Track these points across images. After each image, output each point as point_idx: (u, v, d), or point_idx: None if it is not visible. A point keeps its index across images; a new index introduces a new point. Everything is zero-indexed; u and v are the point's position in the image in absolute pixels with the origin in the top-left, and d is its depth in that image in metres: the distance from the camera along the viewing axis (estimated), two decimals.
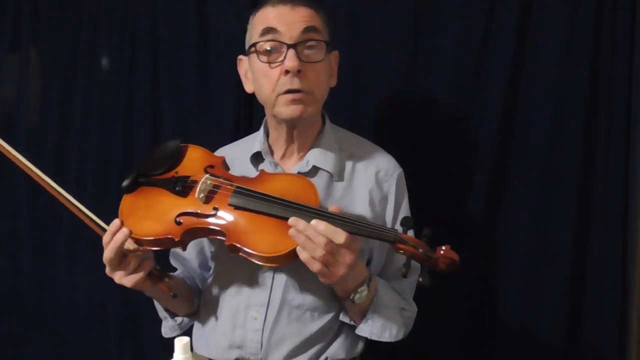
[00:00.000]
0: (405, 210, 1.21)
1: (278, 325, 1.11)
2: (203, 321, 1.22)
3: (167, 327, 1.26)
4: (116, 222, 1.03)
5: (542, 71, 1.40)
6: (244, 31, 1.62)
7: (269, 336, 1.11)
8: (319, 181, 1.15)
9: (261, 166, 1.19)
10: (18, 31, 1.86)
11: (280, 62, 1.09)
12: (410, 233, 1.01)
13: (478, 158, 1.46)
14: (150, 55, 1.74)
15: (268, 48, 1.10)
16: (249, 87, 1.20)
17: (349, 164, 1.19)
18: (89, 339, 1.86)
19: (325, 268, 0.96)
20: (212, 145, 1.26)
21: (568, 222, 1.41)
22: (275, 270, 1.12)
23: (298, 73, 1.07)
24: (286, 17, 1.09)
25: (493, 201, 1.46)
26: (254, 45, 1.12)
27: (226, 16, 1.65)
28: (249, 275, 1.14)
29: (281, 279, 1.12)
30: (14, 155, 1.11)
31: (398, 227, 1.09)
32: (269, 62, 1.10)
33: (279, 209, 0.99)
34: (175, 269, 1.31)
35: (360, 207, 1.16)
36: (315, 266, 0.96)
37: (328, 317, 1.13)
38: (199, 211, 1.03)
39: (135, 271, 1.05)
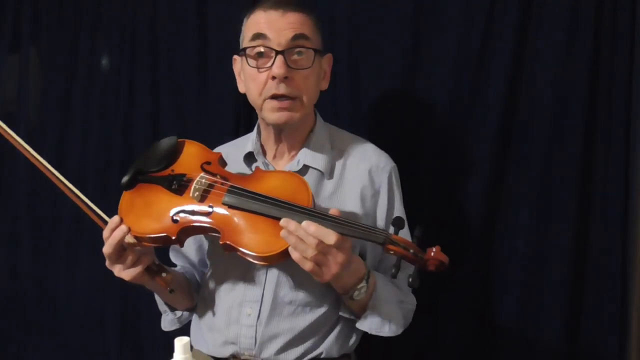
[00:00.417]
0: (398, 206, 1.21)
1: (271, 321, 1.13)
2: (200, 317, 1.24)
3: (167, 321, 1.28)
4: (115, 218, 1.05)
5: (542, 71, 1.40)
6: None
7: (262, 332, 1.13)
8: (310, 179, 1.16)
9: (254, 166, 1.20)
10: (18, 31, 1.86)
11: (268, 67, 1.11)
12: (402, 233, 1.02)
13: (478, 158, 1.46)
14: (150, 55, 1.74)
15: (257, 53, 1.12)
16: (241, 87, 1.22)
17: (340, 162, 1.20)
18: (89, 339, 1.86)
19: (318, 267, 0.97)
20: (212, 145, 1.26)
21: (568, 222, 1.41)
22: (268, 267, 1.13)
23: (285, 79, 1.10)
24: (276, 23, 1.11)
25: (493, 201, 1.46)
26: (244, 49, 1.14)
27: (226, 16, 1.65)
28: (243, 272, 1.15)
29: (273, 275, 1.14)
30: (19, 144, 1.10)
31: (389, 226, 1.11)
32: (258, 67, 1.12)
33: (272, 208, 1.00)
34: (174, 264, 1.32)
35: (351, 204, 1.17)
36: (307, 265, 0.97)
37: (320, 311, 1.14)
38: (194, 209, 1.04)
39: (133, 265, 1.07)
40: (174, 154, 1.14)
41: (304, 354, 1.14)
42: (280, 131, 1.18)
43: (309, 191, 1.04)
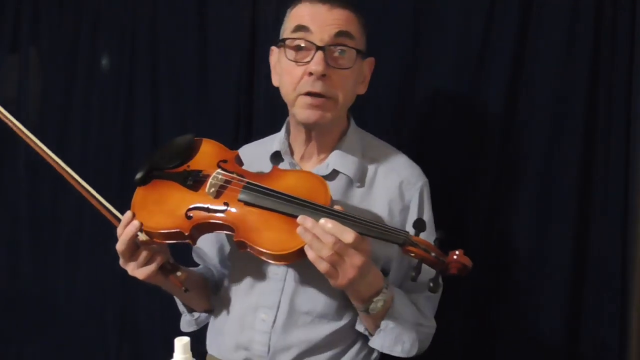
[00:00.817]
0: (428, 226, 1.12)
1: (286, 330, 1.09)
2: (215, 319, 1.21)
3: (185, 322, 1.26)
4: (128, 214, 1.03)
5: (542, 71, 1.40)
6: (243, 31, 1.64)
7: (276, 339, 1.09)
8: (338, 185, 1.13)
9: (280, 166, 1.16)
10: (18, 31, 1.86)
11: (306, 62, 1.06)
12: (423, 236, 0.97)
13: (478, 158, 1.46)
14: (150, 55, 1.74)
15: (297, 45, 1.07)
16: (275, 80, 1.16)
17: (370, 170, 1.16)
18: (89, 339, 1.86)
19: (333, 269, 0.93)
20: None
21: (568, 222, 1.41)
22: (287, 272, 1.10)
23: (322, 77, 1.05)
24: (320, 17, 1.06)
25: (493, 201, 1.46)
26: (283, 40, 1.09)
27: (226, 16, 1.65)
28: (260, 275, 1.12)
29: (291, 283, 1.10)
30: (32, 140, 1.10)
31: (410, 229, 1.05)
32: (296, 61, 1.07)
33: (288, 206, 0.98)
34: (196, 265, 1.31)
35: (378, 216, 1.12)
36: (322, 266, 0.93)
37: (338, 325, 1.10)
38: (209, 206, 1.02)
39: (147, 263, 1.04)
40: (190, 151, 1.12)
41: None
42: (310, 130, 1.13)
43: (327, 190, 1.01)
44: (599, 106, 1.38)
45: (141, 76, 1.75)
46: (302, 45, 1.06)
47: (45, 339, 1.91)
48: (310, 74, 1.04)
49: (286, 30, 1.11)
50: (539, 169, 1.42)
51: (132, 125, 1.77)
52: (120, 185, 1.76)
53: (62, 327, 1.88)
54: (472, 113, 1.46)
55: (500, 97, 1.44)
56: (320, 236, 0.92)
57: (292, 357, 1.09)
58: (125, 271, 1.78)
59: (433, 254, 0.93)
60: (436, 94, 1.48)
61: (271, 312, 1.10)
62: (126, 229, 1.02)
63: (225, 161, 1.10)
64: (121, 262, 1.06)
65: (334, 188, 1.10)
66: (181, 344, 0.88)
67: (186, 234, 1.01)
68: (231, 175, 1.05)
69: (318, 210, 0.96)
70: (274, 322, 1.10)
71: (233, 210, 1.01)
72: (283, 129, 1.21)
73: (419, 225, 0.96)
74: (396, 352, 1.06)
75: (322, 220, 0.93)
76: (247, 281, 1.14)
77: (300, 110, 1.08)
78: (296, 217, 0.95)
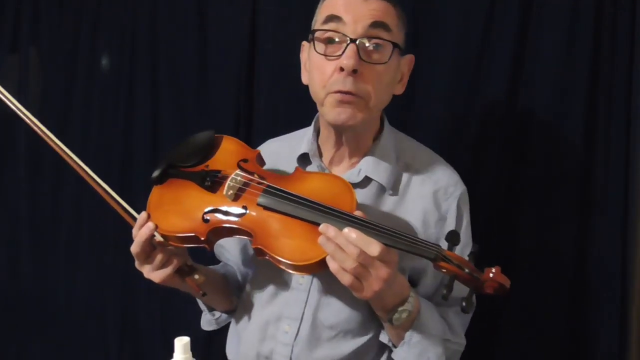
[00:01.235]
0: (466, 236, 1.08)
1: (309, 344, 1.04)
2: (237, 324, 1.17)
3: (205, 321, 1.23)
4: (143, 215, 0.98)
5: (542, 71, 1.40)
6: (243, 31, 1.64)
7: (298, 353, 1.04)
8: (369, 192, 1.06)
9: (308, 169, 1.09)
10: (18, 31, 1.86)
11: (337, 56, 0.97)
12: (457, 250, 0.90)
13: (478, 158, 1.46)
14: (150, 55, 1.74)
15: (327, 38, 0.99)
16: (304, 78, 1.08)
17: (404, 177, 1.08)
18: (89, 339, 1.87)
19: (358, 281, 0.86)
20: None
21: (568, 222, 1.41)
22: (311, 283, 1.05)
23: (354, 73, 0.96)
24: (355, 6, 0.97)
25: (493, 201, 1.46)
26: (314, 32, 1.01)
27: (226, 16, 1.65)
28: (284, 284, 1.07)
29: (316, 294, 1.04)
30: (50, 138, 1.06)
31: (443, 242, 0.97)
32: (326, 54, 0.99)
33: (310, 212, 0.91)
34: (218, 262, 1.28)
35: (412, 227, 1.05)
36: (345, 278, 0.86)
37: (363, 339, 1.04)
38: (227, 209, 0.96)
39: (163, 266, 0.99)
40: (210, 149, 1.05)
41: None
42: (341, 133, 1.05)
43: (352, 196, 0.94)
44: (599, 106, 1.38)
45: (141, 76, 1.75)
46: (334, 38, 0.98)
47: (45, 339, 1.91)
48: (341, 69, 0.96)
49: (317, 22, 1.03)
50: (539, 169, 1.42)
51: (132, 125, 1.77)
52: (120, 185, 1.76)
53: (62, 327, 1.88)
54: (472, 113, 1.46)
55: (500, 97, 1.44)
56: (344, 247, 0.85)
57: None
58: (126, 271, 1.80)
59: (467, 271, 0.85)
60: (436, 94, 1.48)
61: (294, 323, 1.05)
62: (141, 231, 0.96)
63: (245, 160, 1.03)
64: (136, 264, 1.00)
65: (365, 196, 1.05)
66: (181, 344, 0.87)
67: (202, 238, 0.95)
68: (251, 176, 0.99)
69: (342, 218, 0.89)
70: (297, 334, 1.04)
71: (252, 214, 0.95)
72: (311, 128, 1.13)
73: (453, 238, 0.89)
74: None
75: (346, 230, 0.86)
76: (270, 288, 1.09)
77: (329, 109, 1.00)
78: (319, 224, 0.89)
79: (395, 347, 1.01)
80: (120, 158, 1.78)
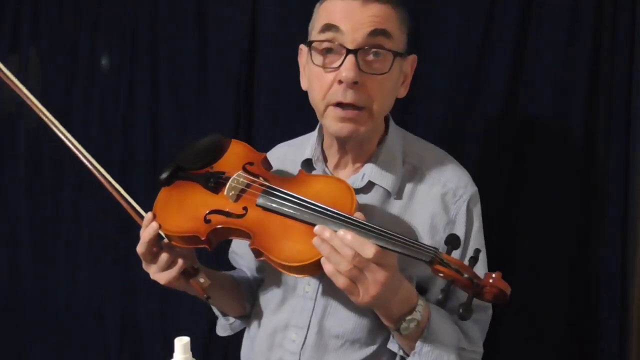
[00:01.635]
0: (476, 240, 1.04)
1: (316, 353, 1.02)
2: (249, 330, 1.17)
3: (219, 326, 1.23)
4: (149, 215, 0.98)
5: (542, 71, 1.40)
6: (243, 31, 1.64)
7: None
8: (374, 197, 1.03)
9: (313, 173, 1.08)
10: (18, 31, 1.86)
11: (335, 67, 0.94)
12: (456, 255, 0.87)
13: (478, 158, 1.46)
14: (150, 55, 1.74)
15: (325, 49, 0.95)
16: (303, 84, 1.05)
17: (411, 180, 1.05)
18: (89, 339, 1.86)
19: (353, 285, 0.84)
20: None
21: (568, 222, 1.41)
22: (318, 291, 1.03)
23: (354, 84, 0.93)
24: (354, 14, 0.93)
25: (493, 201, 1.46)
26: (310, 43, 0.97)
27: (226, 16, 1.65)
28: (292, 291, 1.06)
29: (322, 302, 1.03)
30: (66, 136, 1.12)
31: (457, 252, 0.93)
32: (324, 66, 0.95)
33: (307, 213, 0.89)
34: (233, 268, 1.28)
35: (419, 231, 1.02)
36: (340, 281, 0.84)
37: (371, 349, 1.02)
38: (228, 210, 0.96)
39: (168, 267, 0.98)
40: (217, 152, 1.06)
41: None
42: (344, 142, 1.03)
43: (352, 199, 0.92)
44: (599, 106, 1.38)
45: (141, 76, 1.75)
46: (331, 48, 0.95)
47: (45, 339, 1.91)
48: (341, 81, 0.93)
49: (314, 30, 0.99)
50: (539, 169, 1.42)
51: (132, 125, 1.77)
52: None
53: (62, 327, 1.88)
54: (472, 113, 1.46)
55: (500, 97, 1.44)
56: (339, 249, 0.83)
57: None
58: (126, 271, 1.80)
59: (466, 276, 0.82)
60: (436, 94, 1.48)
61: (301, 332, 1.04)
62: (145, 231, 0.96)
63: (251, 164, 1.03)
64: (143, 265, 1.01)
65: (370, 201, 1.03)
66: (181, 344, 0.87)
67: (202, 238, 0.95)
68: (253, 178, 0.99)
69: (339, 219, 0.87)
70: (304, 343, 1.03)
71: (251, 215, 0.95)
72: (315, 132, 1.11)
73: (452, 241, 0.86)
74: None
75: (341, 232, 0.84)
76: (279, 296, 1.08)
77: (331, 122, 0.98)
78: (315, 225, 0.87)
79: (407, 355, 0.98)
80: (120, 158, 1.78)
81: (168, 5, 1.71)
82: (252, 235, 0.93)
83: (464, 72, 1.46)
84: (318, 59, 0.96)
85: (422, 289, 1.04)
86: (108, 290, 1.83)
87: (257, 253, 0.93)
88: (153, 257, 0.98)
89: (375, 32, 0.93)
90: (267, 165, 1.07)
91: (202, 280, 1.02)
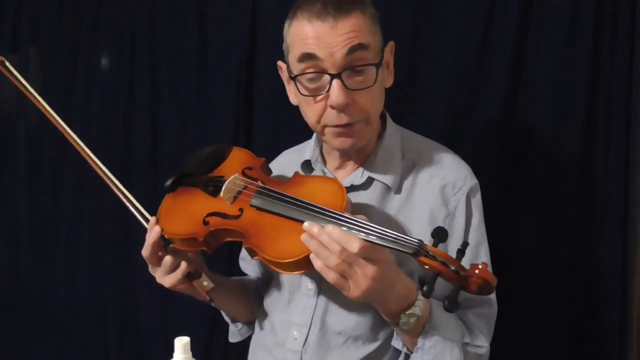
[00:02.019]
0: (477, 233, 1.04)
1: (318, 351, 1.03)
2: (256, 332, 1.18)
3: (230, 332, 1.25)
4: (152, 219, 1.02)
5: (542, 71, 1.40)
6: (243, 31, 1.64)
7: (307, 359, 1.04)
8: (373, 193, 1.05)
9: (312, 174, 1.11)
10: (18, 31, 1.86)
11: (324, 94, 0.95)
12: (442, 247, 0.87)
13: (478, 158, 1.46)
14: (150, 55, 1.74)
15: (309, 79, 0.96)
16: (292, 99, 1.07)
17: (411, 175, 1.06)
18: (89, 339, 1.87)
19: (344, 279, 0.85)
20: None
21: (568, 222, 1.41)
22: (320, 289, 1.04)
23: (346, 106, 0.95)
24: (326, 38, 0.92)
25: (493, 201, 1.46)
26: (294, 77, 0.98)
27: (226, 16, 1.65)
28: (296, 291, 1.08)
29: (324, 299, 1.04)
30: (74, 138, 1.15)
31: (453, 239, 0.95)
32: (312, 95, 0.97)
33: (296, 211, 0.91)
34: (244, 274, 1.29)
35: (419, 225, 1.02)
36: (330, 276, 0.85)
37: (374, 345, 1.02)
38: (225, 212, 1.00)
39: (172, 271, 1.01)
40: (219, 159, 1.09)
41: None
42: (346, 152, 1.06)
43: (343, 197, 0.94)
44: (599, 106, 1.38)
45: (141, 76, 1.75)
46: (314, 77, 0.95)
47: (45, 339, 1.91)
48: (333, 106, 0.95)
49: (291, 56, 0.99)
50: (539, 169, 1.42)
51: (132, 125, 1.77)
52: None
53: (62, 327, 1.88)
54: (472, 113, 1.46)
55: (500, 97, 1.44)
56: (327, 244, 0.84)
57: None
58: (125, 271, 1.80)
59: (452, 268, 0.82)
60: (436, 94, 1.48)
61: (303, 330, 1.04)
62: (149, 235, 1.00)
63: (250, 168, 1.06)
64: (150, 268, 1.04)
65: (370, 197, 1.04)
66: (181, 344, 0.87)
67: (200, 240, 0.98)
68: (249, 180, 1.02)
69: (327, 216, 0.89)
70: (306, 340, 1.04)
71: (246, 216, 0.98)
72: (314, 136, 1.13)
73: (439, 234, 0.86)
74: None
75: (329, 227, 0.85)
76: (284, 296, 1.10)
77: (330, 139, 1.01)
78: (304, 222, 0.89)
79: (410, 352, 0.98)
80: (120, 158, 1.78)
81: (168, 5, 1.71)
82: (246, 234, 0.95)
83: (464, 72, 1.46)
84: (305, 90, 0.97)
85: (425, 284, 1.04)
86: (108, 290, 1.83)
87: (252, 252, 0.95)
88: (158, 261, 1.01)
89: (352, 50, 0.93)
90: (266, 169, 1.10)
91: (205, 283, 1.04)
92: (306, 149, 1.13)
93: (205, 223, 0.99)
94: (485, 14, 1.43)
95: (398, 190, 1.05)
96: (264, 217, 0.96)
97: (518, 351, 1.47)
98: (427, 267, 0.83)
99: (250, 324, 1.23)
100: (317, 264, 0.86)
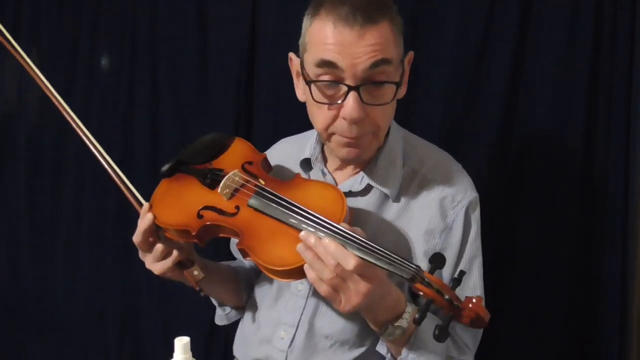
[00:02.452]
0: (473, 248, 1.02)
1: (304, 353, 1.02)
2: (243, 323, 1.17)
3: (217, 315, 1.23)
4: (145, 205, 0.99)
5: (542, 71, 1.40)
6: (243, 31, 1.64)
7: None
8: (371, 200, 1.03)
9: (311, 173, 1.09)
10: (18, 31, 1.86)
11: (338, 104, 0.91)
12: (438, 274, 0.85)
13: (478, 158, 1.46)
14: (150, 55, 1.74)
15: (324, 86, 0.92)
16: (300, 95, 1.03)
17: (410, 183, 1.03)
18: (89, 339, 1.87)
19: (335, 293, 0.84)
20: None
21: (568, 221, 1.41)
22: (310, 291, 1.03)
23: (359, 120, 0.91)
24: (350, 47, 0.87)
25: (493, 201, 1.46)
26: (309, 81, 0.93)
27: (226, 16, 1.65)
28: (285, 289, 1.06)
29: (314, 302, 1.03)
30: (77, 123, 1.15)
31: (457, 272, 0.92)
32: (326, 103, 0.93)
33: (295, 218, 0.89)
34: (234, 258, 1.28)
35: (413, 236, 1.01)
36: (322, 288, 0.84)
37: (360, 350, 1.01)
38: (221, 207, 0.97)
39: (163, 258, 0.99)
40: (220, 148, 1.07)
41: None
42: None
43: (343, 208, 0.91)
44: (599, 106, 1.38)
45: (141, 76, 1.75)
46: (331, 85, 0.91)
47: (45, 339, 1.91)
48: (345, 118, 0.91)
49: (308, 58, 0.94)
50: (539, 169, 1.43)
51: (132, 125, 1.77)
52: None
53: (62, 327, 1.88)
54: (472, 113, 1.46)
55: (500, 97, 1.44)
56: (323, 257, 0.82)
57: None
58: (126, 271, 1.80)
59: (446, 297, 0.81)
60: (436, 94, 1.48)
61: (290, 330, 1.04)
62: (141, 221, 0.97)
63: (250, 163, 1.04)
64: (140, 254, 1.02)
65: (368, 204, 1.03)
66: (181, 344, 0.87)
67: (193, 233, 0.95)
68: (248, 178, 1.00)
69: (325, 227, 0.86)
70: (292, 341, 1.03)
71: (242, 215, 0.95)
72: (315, 132, 1.08)
73: (437, 260, 0.84)
74: None
75: (326, 240, 0.82)
76: (273, 292, 1.09)
77: (336, 147, 0.98)
78: (300, 231, 0.87)
79: (394, 359, 0.97)
80: (120, 158, 1.78)
81: (168, 5, 1.71)
82: (241, 235, 0.93)
83: (464, 72, 1.46)
84: (318, 95, 0.93)
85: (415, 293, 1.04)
86: (108, 290, 1.83)
87: (244, 253, 0.93)
88: (149, 247, 0.99)
89: (375, 64, 0.89)
90: (267, 166, 1.07)
91: (196, 272, 1.02)
92: (306, 146, 1.11)
93: (200, 216, 0.97)
94: (485, 14, 1.43)
95: (397, 199, 1.03)
96: (261, 219, 0.94)
97: (518, 351, 1.47)
98: (421, 293, 0.82)
99: (238, 309, 1.21)
100: (311, 275, 0.84)
